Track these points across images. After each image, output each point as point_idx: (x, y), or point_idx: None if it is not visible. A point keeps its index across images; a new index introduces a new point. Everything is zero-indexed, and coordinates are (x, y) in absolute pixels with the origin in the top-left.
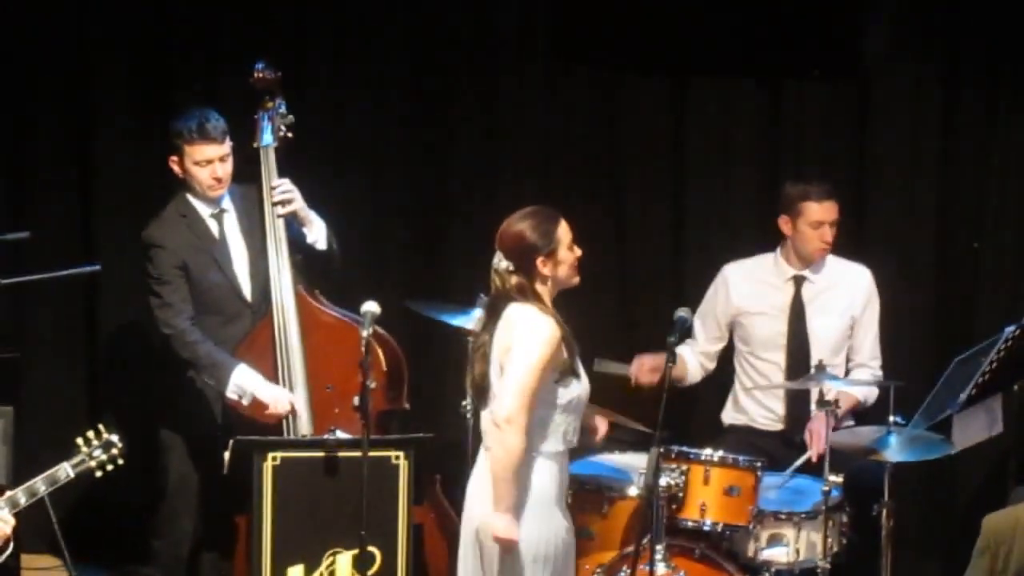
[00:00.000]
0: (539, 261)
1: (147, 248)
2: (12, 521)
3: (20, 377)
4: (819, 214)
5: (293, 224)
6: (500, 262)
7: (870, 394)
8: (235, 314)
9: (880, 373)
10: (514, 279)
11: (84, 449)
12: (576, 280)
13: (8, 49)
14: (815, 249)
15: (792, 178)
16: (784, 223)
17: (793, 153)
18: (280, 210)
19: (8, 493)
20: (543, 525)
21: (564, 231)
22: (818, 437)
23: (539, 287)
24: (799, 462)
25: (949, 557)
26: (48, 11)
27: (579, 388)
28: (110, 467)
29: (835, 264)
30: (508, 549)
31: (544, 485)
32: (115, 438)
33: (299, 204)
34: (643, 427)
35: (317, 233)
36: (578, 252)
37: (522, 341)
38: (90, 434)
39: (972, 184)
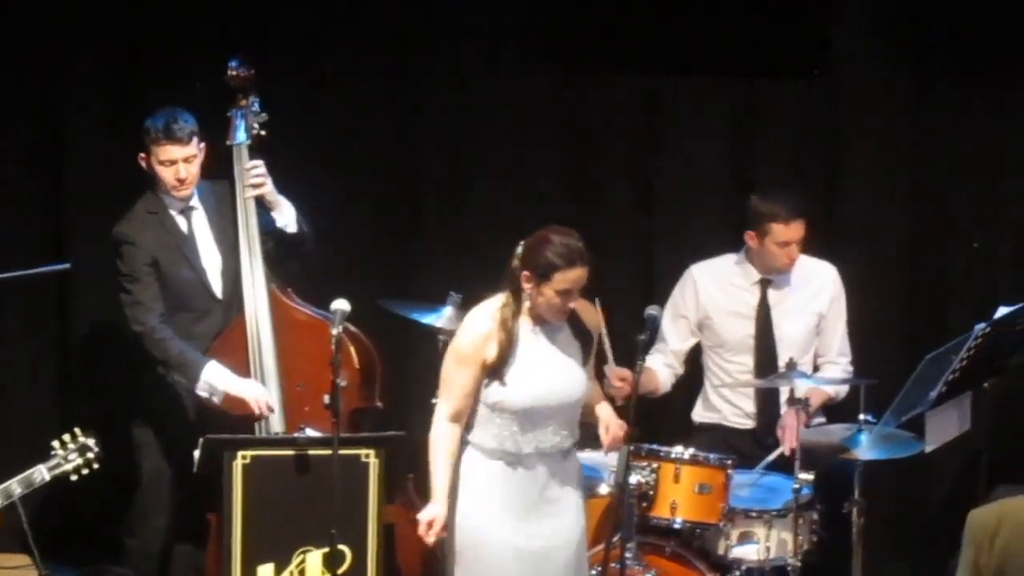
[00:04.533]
0: (526, 275)
1: (117, 245)
2: None
3: None
4: (786, 234)
5: (263, 212)
6: (519, 248)
7: (840, 389)
8: (206, 310)
9: (850, 368)
10: (514, 264)
11: (60, 452)
12: (555, 320)
13: None
14: (781, 265)
15: (762, 187)
16: (750, 238)
17: (765, 152)
18: (251, 192)
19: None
20: (468, 518)
21: (567, 279)
22: (791, 432)
23: (523, 290)
24: (771, 457)
25: (920, 555)
26: (17, 7)
27: (501, 395)
28: (85, 471)
29: (802, 263)
30: (423, 528)
31: (473, 476)
32: (91, 442)
33: (270, 187)
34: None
35: (287, 216)
36: (569, 304)
37: (457, 332)
38: (66, 437)
39: (944, 182)
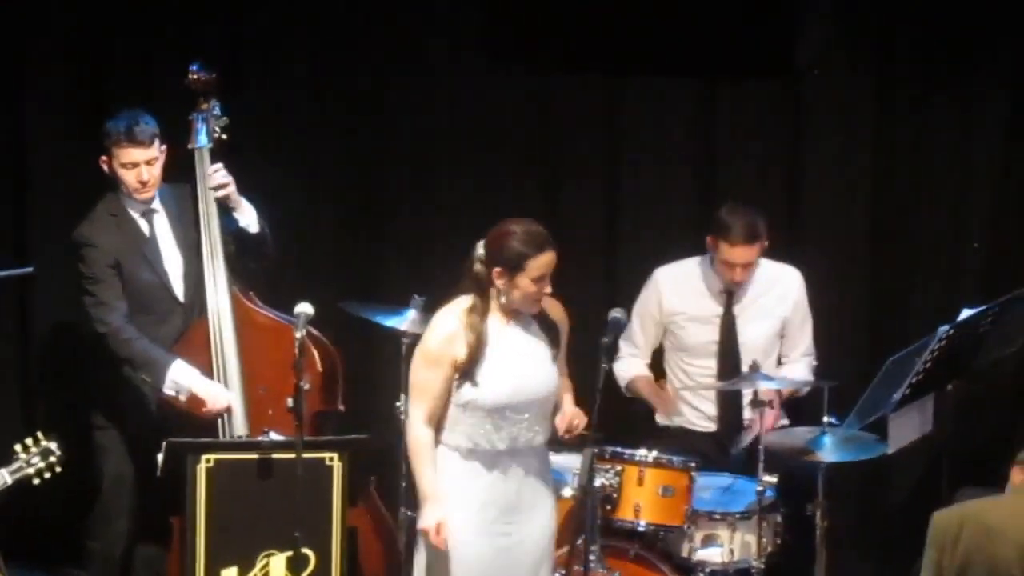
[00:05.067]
0: (497, 272)
1: (79, 247)
2: None
3: None
4: (729, 255)
5: (224, 214)
6: (479, 249)
7: (804, 389)
8: (167, 313)
9: (815, 363)
10: (477, 268)
11: (22, 456)
12: (532, 309)
13: None
14: (727, 281)
15: (734, 202)
16: (710, 244)
17: (728, 152)
18: (216, 193)
19: None
20: (448, 515)
21: (540, 264)
22: (763, 421)
23: (492, 291)
24: (747, 439)
25: (883, 557)
26: None
27: (472, 394)
28: (47, 474)
29: (765, 268)
30: (433, 534)
31: (448, 479)
32: (53, 445)
33: (232, 188)
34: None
35: (248, 217)
36: (545, 290)
37: (424, 334)
38: (28, 441)
39: (905, 183)
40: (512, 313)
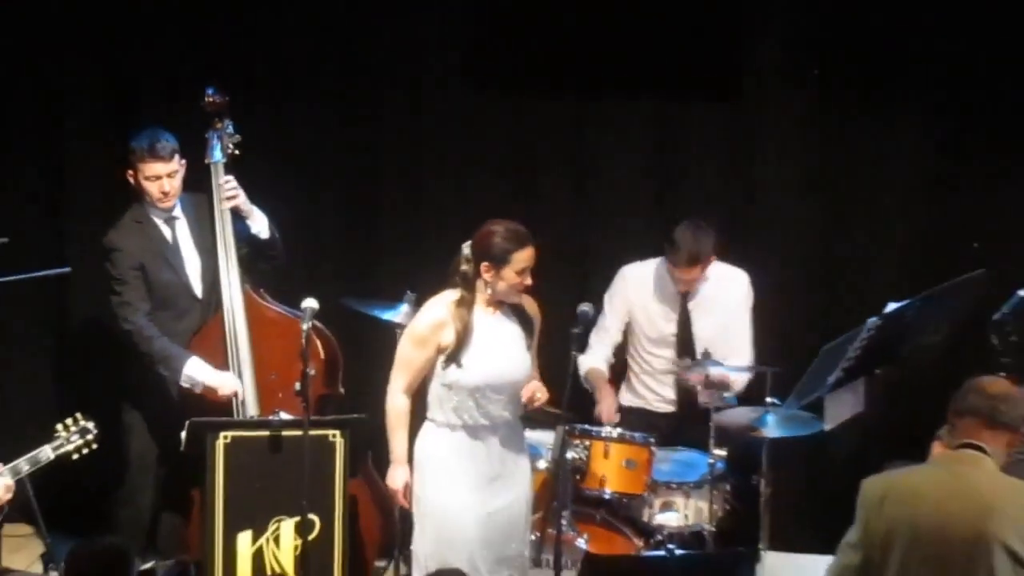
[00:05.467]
0: (484, 266)
1: (107, 252)
2: (13, 487)
3: None
4: (674, 273)
5: (238, 221)
6: (466, 248)
7: (740, 378)
8: (186, 309)
9: (752, 359)
10: (464, 266)
11: (63, 434)
12: (515, 299)
13: None
14: (681, 290)
15: (691, 222)
16: (670, 252)
17: (685, 165)
18: (227, 204)
19: (10, 464)
20: (430, 486)
21: (523, 257)
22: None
23: (479, 284)
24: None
25: (820, 522)
26: (22, 38)
27: (457, 375)
28: (85, 451)
29: (717, 270)
30: (400, 495)
31: (434, 450)
32: (91, 425)
33: (242, 199)
34: (551, 408)
35: (260, 224)
36: (527, 281)
37: (415, 317)
38: (68, 421)
39: (843, 194)
40: (495, 305)
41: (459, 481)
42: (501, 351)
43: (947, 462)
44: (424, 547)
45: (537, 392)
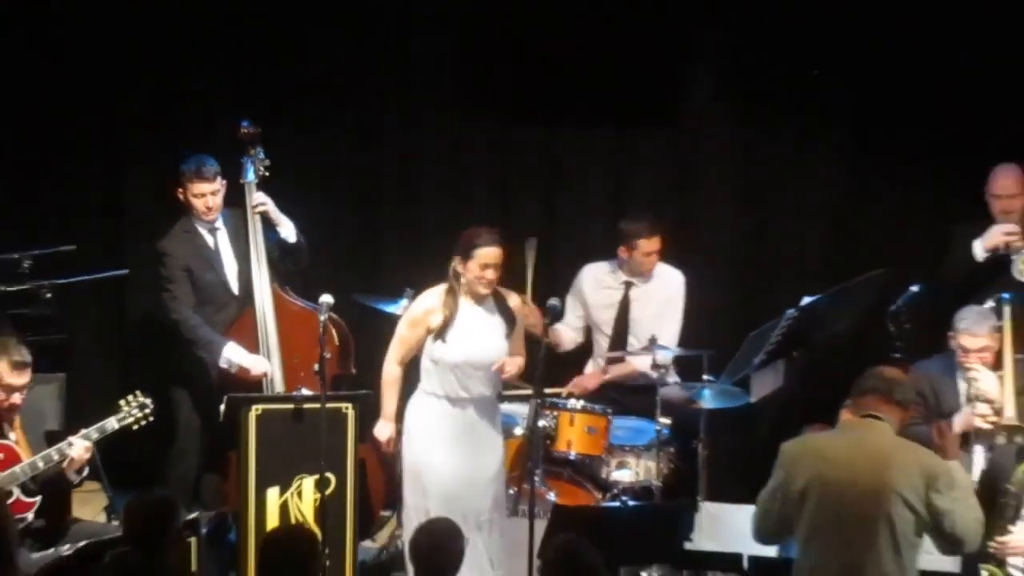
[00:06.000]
0: (457, 260)
1: (160, 256)
2: (92, 448)
3: (69, 353)
4: (648, 247)
5: (270, 229)
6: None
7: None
8: (224, 304)
9: (675, 350)
10: (452, 263)
11: (125, 408)
12: (480, 291)
13: (58, 111)
14: (645, 270)
15: (628, 215)
16: (623, 252)
17: (636, 183)
18: (258, 209)
19: (82, 431)
20: (415, 447)
21: (484, 255)
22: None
23: (459, 276)
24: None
25: (748, 478)
26: (91, 78)
27: (443, 351)
28: (143, 422)
29: (659, 269)
30: (384, 445)
31: (420, 416)
32: (148, 401)
33: (271, 207)
34: (526, 385)
35: (288, 230)
36: (487, 276)
37: (413, 303)
38: (130, 397)
39: (765, 208)
40: (477, 297)
41: (437, 442)
42: (480, 336)
43: (852, 427)
44: (409, 498)
45: (507, 364)
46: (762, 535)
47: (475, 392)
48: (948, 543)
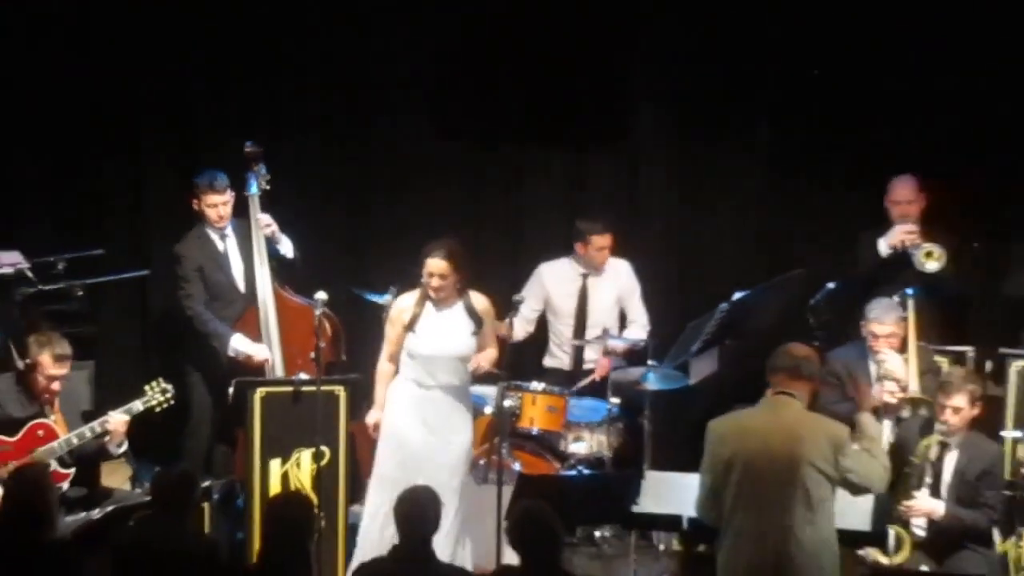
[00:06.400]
0: (420, 266)
1: (176, 258)
2: (128, 422)
3: (98, 343)
4: (601, 242)
5: (272, 243)
6: None
7: (639, 340)
8: (232, 300)
9: (648, 327)
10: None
11: (148, 392)
12: (430, 294)
13: (89, 132)
14: (599, 264)
15: (581, 217)
16: (580, 248)
17: (589, 200)
18: (265, 231)
19: (117, 410)
20: (388, 418)
21: (427, 265)
22: (602, 369)
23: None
24: (585, 382)
25: (688, 450)
26: (117, 103)
27: (414, 345)
28: (165, 405)
29: (609, 262)
30: (370, 429)
31: (395, 395)
32: (169, 387)
33: (276, 228)
34: (494, 369)
35: (286, 248)
36: (432, 283)
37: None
38: (153, 384)
39: (701, 208)
40: (447, 300)
41: (406, 419)
42: (445, 333)
43: (768, 405)
44: (381, 466)
45: (482, 362)
46: (702, 510)
47: (441, 380)
48: (858, 491)
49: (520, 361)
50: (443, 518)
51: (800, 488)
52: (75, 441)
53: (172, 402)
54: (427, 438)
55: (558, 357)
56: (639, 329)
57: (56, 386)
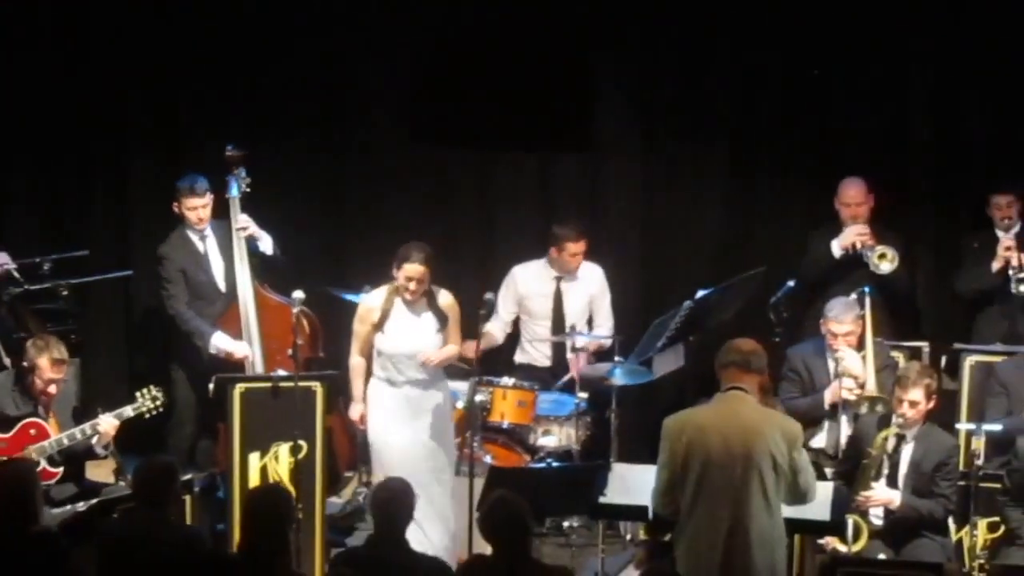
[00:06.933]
0: (394, 267)
1: (159, 259)
2: (117, 426)
3: (83, 341)
4: (575, 248)
5: (252, 240)
6: None
7: (605, 341)
8: (213, 299)
9: (612, 329)
10: (393, 270)
11: (140, 399)
12: (407, 297)
13: (75, 137)
14: (572, 268)
15: (558, 222)
16: (554, 252)
17: (556, 200)
18: (243, 233)
19: (108, 413)
20: (371, 420)
21: (408, 270)
22: (574, 366)
23: (395, 279)
24: (564, 379)
25: (653, 444)
26: (102, 104)
27: (382, 343)
28: (155, 412)
29: (582, 267)
30: (358, 422)
31: (373, 394)
32: (160, 393)
33: (254, 228)
34: (466, 364)
35: (267, 244)
36: (410, 287)
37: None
38: (144, 391)
39: (666, 217)
40: (414, 299)
41: (384, 417)
42: (412, 330)
43: (722, 400)
44: (374, 465)
45: (431, 356)
46: (658, 505)
47: (409, 376)
48: (797, 497)
49: (491, 357)
50: (427, 502)
51: (758, 484)
52: (66, 442)
53: (162, 409)
54: (406, 432)
55: (529, 353)
56: (604, 329)
57: (53, 389)
